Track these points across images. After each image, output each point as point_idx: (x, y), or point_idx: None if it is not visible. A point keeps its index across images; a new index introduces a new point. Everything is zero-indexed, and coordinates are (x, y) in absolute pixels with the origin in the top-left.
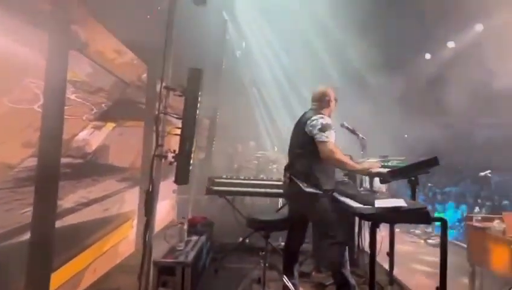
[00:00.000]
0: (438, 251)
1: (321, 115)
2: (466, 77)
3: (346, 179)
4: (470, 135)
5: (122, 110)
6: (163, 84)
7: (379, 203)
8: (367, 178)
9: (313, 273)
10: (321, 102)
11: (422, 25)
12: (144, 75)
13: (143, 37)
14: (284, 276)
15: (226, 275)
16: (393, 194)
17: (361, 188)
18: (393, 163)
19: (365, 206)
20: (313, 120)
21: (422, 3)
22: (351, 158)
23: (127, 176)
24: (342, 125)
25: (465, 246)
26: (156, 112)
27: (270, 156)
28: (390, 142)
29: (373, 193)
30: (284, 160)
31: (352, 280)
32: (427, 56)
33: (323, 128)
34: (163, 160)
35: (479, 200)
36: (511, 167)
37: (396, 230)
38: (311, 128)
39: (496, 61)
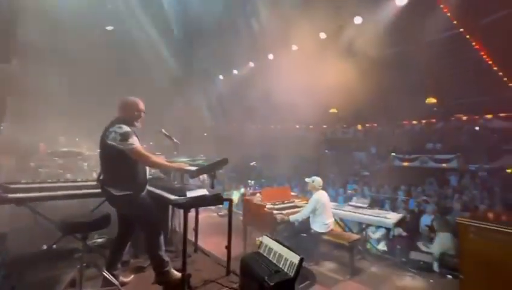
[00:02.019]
0: (226, 220)
1: (119, 126)
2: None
3: (162, 175)
4: (243, 135)
5: None
6: None
7: (190, 193)
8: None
9: (131, 260)
10: (125, 112)
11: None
12: None
13: None
14: (105, 270)
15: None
16: (199, 185)
17: (175, 182)
18: (198, 162)
19: (180, 197)
20: (112, 132)
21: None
22: (165, 158)
23: None
24: (160, 132)
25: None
26: None
27: (82, 152)
28: (194, 141)
29: (184, 185)
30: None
31: (166, 257)
32: (221, 77)
33: (125, 137)
34: None
35: (251, 181)
36: (267, 157)
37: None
38: (112, 140)
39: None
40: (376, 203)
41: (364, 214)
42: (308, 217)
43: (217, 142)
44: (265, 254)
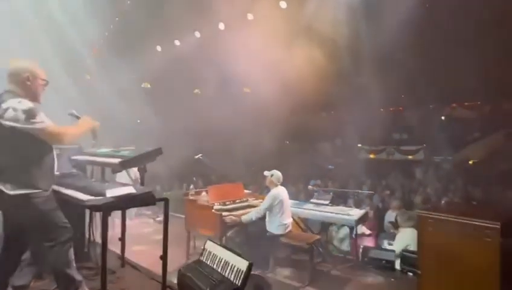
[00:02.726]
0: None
1: (18, 100)
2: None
3: (75, 171)
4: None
5: None
6: None
7: (110, 192)
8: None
9: (32, 282)
10: (21, 82)
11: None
12: None
13: None
14: None
15: None
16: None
17: (93, 179)
18: (124, 153)
19: (96, 198)
20: (8, 109)
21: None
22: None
23: None
24: (71, 114)
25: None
26: None
27: None
28: (122, 130)
29: (104, 182)
30: None
31: (78, 276)
32: (158, 48)
33: (32, 115)
34: None
35: (194, 178)
36: (218, 149)
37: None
38: (12, 120)
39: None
40: (340, 199)
41: (326, 212)
42: (264, 219)
43: (154, 131)
44: (208, 262)
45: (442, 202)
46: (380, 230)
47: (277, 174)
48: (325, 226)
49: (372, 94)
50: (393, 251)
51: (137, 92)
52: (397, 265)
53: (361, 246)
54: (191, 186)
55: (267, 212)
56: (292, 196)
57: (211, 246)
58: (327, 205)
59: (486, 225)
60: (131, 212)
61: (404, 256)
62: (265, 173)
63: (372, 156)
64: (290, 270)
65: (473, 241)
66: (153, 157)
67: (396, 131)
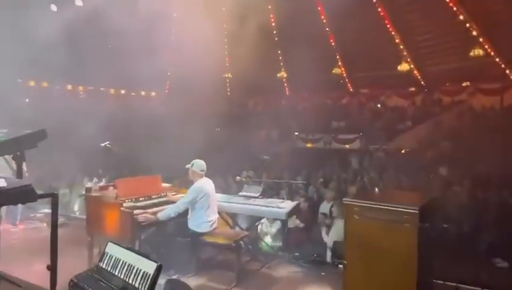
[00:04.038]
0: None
1: None
2: None
3: None
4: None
5: None
6: None
7: None
8: None
9: None
10: None
11: None
12: None
13: None
14: None
15: None
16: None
17: None
18: None
19: None
20: None
21: None
22: None
23: None
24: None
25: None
26: None
27: None
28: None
29: None
30: None
31: None
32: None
33: None
34: None
35: (101, 171)
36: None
37: None
38: None
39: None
40: (272, 191)
41: (255, 205)
42: (186, 216)
43: (44, 112)
44: (108, 268)
45: (376, 190)
46: (314, 222)
47: (198, 163)
48: (254, 221)
49: (309, 80)
50: (325, 243)
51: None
52: (328, 258)
53: (295, 241)
54: (94, 180)
55: (190, 208)
56: (221, 190)
57: (112, 249)
58: (257, 197)
59: (405, 210)
60: (15, 214)
61: (335, 248)
62: (187, 166)
63: (309, 145)
64: (216, 271)
65: (393, 226)
66: (34, 143)
67: (335, 119)
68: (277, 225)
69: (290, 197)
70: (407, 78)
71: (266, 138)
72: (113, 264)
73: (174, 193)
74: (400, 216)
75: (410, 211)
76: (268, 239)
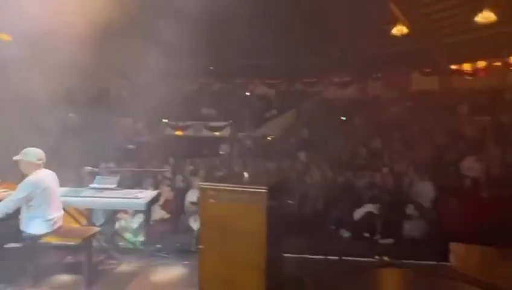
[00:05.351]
0: None
1: None
2: None
3: None
4: None
5: None
6: None
7: None
8: None
9: None
10: None
11: None
12: None
13: None
14: None
15: None
16: None
17: None
18: None
19: None
20: None
21: None
22: None
23: None
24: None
25: None
26: None
27: None
28: None
29: None
30: None
31: None
32: None
33: None
34: None
35: None
36: None
37: None
38: None
39: None
40: (135, 182)
41: (110, 197)
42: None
43: None
44: None
45: (245, 175)
46: (181, 212)
47: (32, 152)
48: (110, 214)
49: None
50: (192, 231)
51: None
52: (193, 246)
53: (160, 233)
54: None
55: (23, 207)
56: (72, 184)
57: None
58: (113, 189)
59: (255, 190)
60: None
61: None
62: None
63: (178, 132)
64: (61, 278)
65: (246, 208)
66: None
67: (205, 106)
68: (139, 218)
69: (156, 187)
70: (275, 67)
71: (131, 126)
72: None
73: (3, 190)
74: (251, 196)
75: (260, 191)
76: (129, 235)
